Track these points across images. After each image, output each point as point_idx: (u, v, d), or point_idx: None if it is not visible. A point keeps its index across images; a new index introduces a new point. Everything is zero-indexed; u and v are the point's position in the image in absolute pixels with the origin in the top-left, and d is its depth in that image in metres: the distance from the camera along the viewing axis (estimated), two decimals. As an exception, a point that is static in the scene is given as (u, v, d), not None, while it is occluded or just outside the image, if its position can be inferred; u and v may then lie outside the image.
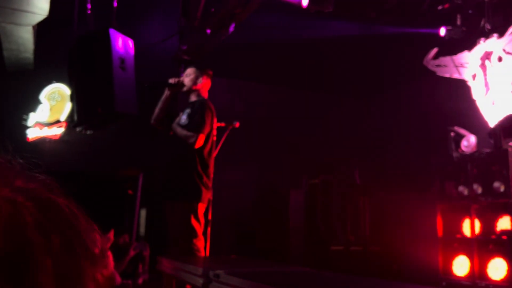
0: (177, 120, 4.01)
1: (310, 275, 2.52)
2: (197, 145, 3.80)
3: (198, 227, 3.80)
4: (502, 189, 4.62)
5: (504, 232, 4.35)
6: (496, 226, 4.67)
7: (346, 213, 7.09)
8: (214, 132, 4.01)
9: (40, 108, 8.46)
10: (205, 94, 4.10)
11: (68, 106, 8.18)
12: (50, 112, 8.41)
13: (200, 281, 2.41)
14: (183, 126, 3.90)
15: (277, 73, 7.57)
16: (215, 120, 3.99)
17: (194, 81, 4.05)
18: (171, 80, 4.07)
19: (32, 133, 8.34)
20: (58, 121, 8.35)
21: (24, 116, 8.40)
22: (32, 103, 8.37)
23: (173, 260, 3.24)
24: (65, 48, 5.05)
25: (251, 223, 7.18)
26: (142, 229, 7.64)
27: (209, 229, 4.09)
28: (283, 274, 2.55)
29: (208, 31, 5.62)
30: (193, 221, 3.77)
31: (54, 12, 5.60)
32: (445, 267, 4.97)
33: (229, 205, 7.11)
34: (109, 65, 4.62)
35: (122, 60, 4.75)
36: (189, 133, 3.82)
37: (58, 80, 8.31)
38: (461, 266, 4.85)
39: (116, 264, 4.98)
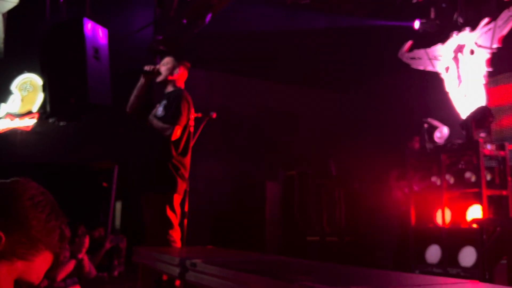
0: (153, 111, 3.95)
1: (286, 263, 2.54)
2: (174, 137, 3.76)
3: (174, 218, 3.77)
4: (473, 179, 4.74)
5: (474, 221, 4.47)
6: (467, 215, 4.80)
7: (322, 204, 7.17)
8: (191, 122, 3.97)
9: (11, 98, 8.26)
10: (181, 85, 4.05)
11: (40, 97, 8.00)
12: (21, 103, 8.22)
13: (176, 270, 2.40)
14: (159, 118, 3.85)
15: (253, 65, 7.56)
16: (192, 111, 3.95)
17: (171, 71, 3.99)
18: (147, 67, 3.99)
19: (3, 125, 8.14)
20: (30, 112, 8.18)
21: (-6, 107, 8.19)
22: (3, 93, 8.16)
23: (149, 251, 3.22)
24: (37, 37, 4.93)
25: (228, 215, 7.19)
26: (117, 222, 7.56)
27: (185, 220, 4.06)
28: (260, 263, 2.56)
29: (184, 21, 5.56)
30: (169, 212, 3.74)
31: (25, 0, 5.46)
32: (418, 255, 5.08)
33: (206, 196, 7.09)
34: (83, 54, 4.52)
35: (96, 50, 4.66)
36: (165, 125, 3.77)
37: (29, 70, 8.11)
38: (433, 254, 4.97)
39: (92, 257, 4.91)
